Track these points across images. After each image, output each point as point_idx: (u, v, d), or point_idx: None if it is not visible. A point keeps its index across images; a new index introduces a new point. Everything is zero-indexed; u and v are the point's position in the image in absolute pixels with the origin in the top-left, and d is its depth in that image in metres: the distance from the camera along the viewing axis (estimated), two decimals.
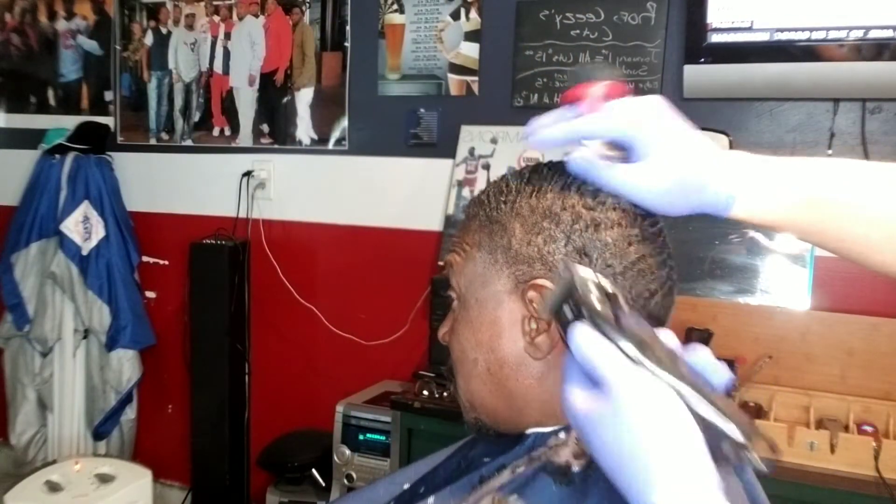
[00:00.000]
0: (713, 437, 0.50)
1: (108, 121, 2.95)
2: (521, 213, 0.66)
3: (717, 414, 0.50)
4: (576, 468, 0.62)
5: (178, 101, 2.83)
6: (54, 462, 2.63)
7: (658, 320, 0.67)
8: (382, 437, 2.15)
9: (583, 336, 0.52)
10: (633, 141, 0.61)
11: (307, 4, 2.58)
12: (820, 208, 0.62)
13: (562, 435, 0.66)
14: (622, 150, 0.62)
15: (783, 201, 0.61)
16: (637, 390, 0.50)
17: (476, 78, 2.35)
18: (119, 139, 2.94)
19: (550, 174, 0.67)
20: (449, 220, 2.34)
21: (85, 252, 2.74)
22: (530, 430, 0.69)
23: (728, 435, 0.49)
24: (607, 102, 0.62)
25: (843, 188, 0.62)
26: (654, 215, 0.66)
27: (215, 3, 2.73)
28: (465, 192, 2.33)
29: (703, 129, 0.59)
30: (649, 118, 0.61)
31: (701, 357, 0.54)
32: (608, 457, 0.52)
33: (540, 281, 0.65)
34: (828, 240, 0.64)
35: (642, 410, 0.50)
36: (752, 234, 1.96)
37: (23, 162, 2.94)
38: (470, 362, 0.71)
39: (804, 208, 0.62)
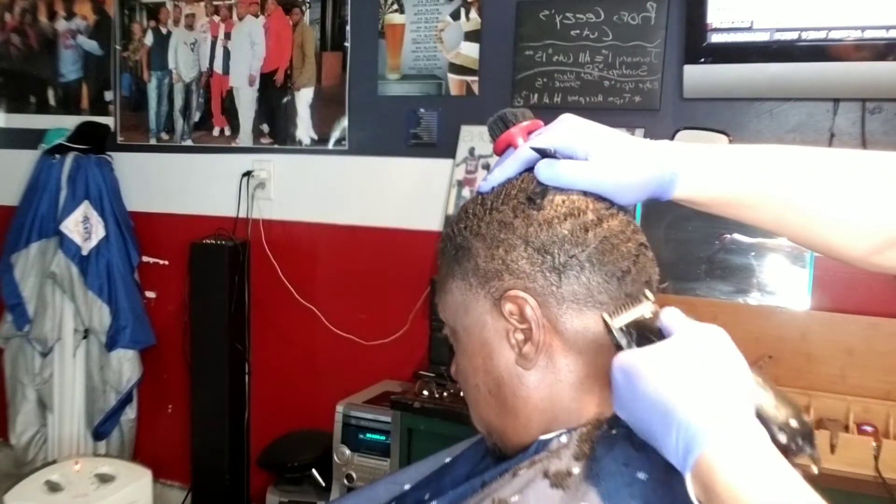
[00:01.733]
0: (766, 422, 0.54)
1: (108, 121, 2.95)
2: (479, 233, 0.68)
3: (774, 398, 0.57)
4: (576, 470, 0.62)
5: (178, 101, 2.83)
6: (54, 462, 2.63)
7: (638, 298, 0.67)
8: (382, 437, 2.15)
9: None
10: (574, 147, 0.66)
11: (307, 4, 2.58)
12: (763, 187, 0.66)
13: (563, 438, 0.66)
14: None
15: (726, 179, 0.65)
16: (693, 332, 0.59)
17: (476, 78, 2.35)
18: (119, 139, 2.94)
19: (501, 190, 0.69)
20: (449, 221, 2.34)
21: (85, 252, 2.73)
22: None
23: (784, 421, 0.55)
24: (533, 133, 0.71)
25: (786, 170, 0.66)
26: (604, 199, 0.68)
27: (215, 3, 2.73)
28: (465, 192, 2.33)
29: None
30: (577, 128, 0.67)
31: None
32: (650, 397, 0.55)
33: (513, 292, 0.66)
34: (765, 220, 0.68)
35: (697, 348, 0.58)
36: (752, 234, 1.96)
37: (23, 162, 2.94)
38: (473, 388, 0.72)
39: (747, 187, 0.66)
